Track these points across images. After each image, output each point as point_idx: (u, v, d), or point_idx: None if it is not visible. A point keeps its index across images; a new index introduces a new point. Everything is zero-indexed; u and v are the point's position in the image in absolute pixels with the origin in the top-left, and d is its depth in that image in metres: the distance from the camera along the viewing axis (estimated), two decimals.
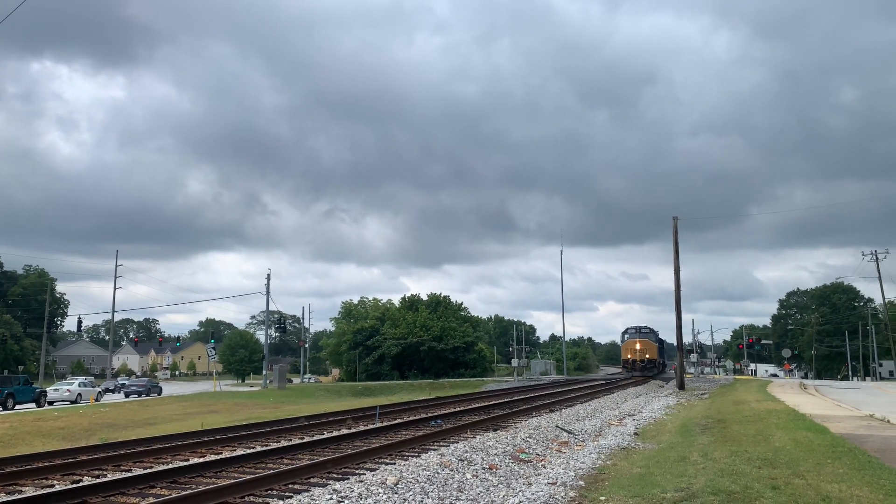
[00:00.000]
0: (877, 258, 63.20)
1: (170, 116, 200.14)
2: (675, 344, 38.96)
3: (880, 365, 74.94)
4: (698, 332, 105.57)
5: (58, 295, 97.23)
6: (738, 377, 62.11)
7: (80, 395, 42.30)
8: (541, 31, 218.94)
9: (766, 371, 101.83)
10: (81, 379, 48.43)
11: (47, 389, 43.24)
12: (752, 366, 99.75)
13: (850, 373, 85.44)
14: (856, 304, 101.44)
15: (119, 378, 75.28)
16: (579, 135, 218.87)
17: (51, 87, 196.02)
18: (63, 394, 42.17)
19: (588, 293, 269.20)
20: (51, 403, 40.25)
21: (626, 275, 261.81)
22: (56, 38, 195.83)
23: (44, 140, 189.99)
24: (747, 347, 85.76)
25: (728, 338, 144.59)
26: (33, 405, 37.35)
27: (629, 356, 52.33)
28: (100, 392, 45.59)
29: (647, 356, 51.64)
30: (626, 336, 54.14)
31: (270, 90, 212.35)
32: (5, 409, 34.46)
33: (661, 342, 59.36)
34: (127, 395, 50.80)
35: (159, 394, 51.84)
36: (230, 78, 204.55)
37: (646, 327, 54.09)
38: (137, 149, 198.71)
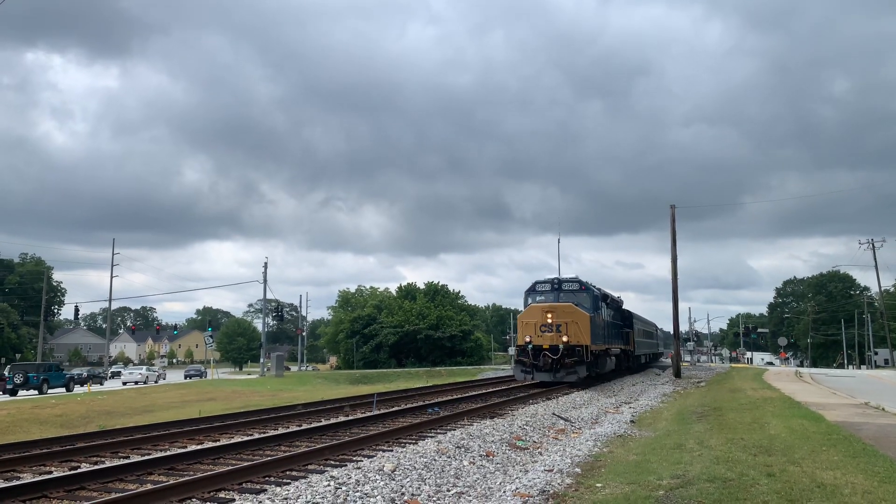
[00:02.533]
0: (873, 246, 63.29)
1: (164, 106, 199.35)
2: (672, 332, 39.07)
3: (876, 353, 75.37)
4: (695, 321, 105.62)
5: (54, 283, 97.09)
6: (734, 365, 62.27)
7: (147, 377, 52.83)
8: (534, 22, 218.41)
9: (763, 359, 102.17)
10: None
11: (123, 372, 56.17)
12: (749, 354, 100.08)
13: (846, 361, 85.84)
14: (852, 292, 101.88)
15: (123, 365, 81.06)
16: (573, 126, 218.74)
17: (45, 77, 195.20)
18: (136, 376, 52.35)
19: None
20: (124, 384, 48.12)
21: (621, 263, 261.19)
22: (50, 29, 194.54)
23: (38, 130, 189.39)
24: (744, 336, 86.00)
25: (724, 326, 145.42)
26: (63, 389, 40.22)
27: (527, 338, 24.16)
28: (158, 376, 57.50)
29: (566, 339, 23.38)
30: (530, 298, 25.98)
31: (264, 81, 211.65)
32: (41, 393, 37.50)
33: (614, 311, 31.04)
34: (185, 377, 63.96)
35: (206, 376, 64.21)
36: (223, 69, 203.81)
37: (574, 280, 26.10)
38: (132, 138, 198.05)
